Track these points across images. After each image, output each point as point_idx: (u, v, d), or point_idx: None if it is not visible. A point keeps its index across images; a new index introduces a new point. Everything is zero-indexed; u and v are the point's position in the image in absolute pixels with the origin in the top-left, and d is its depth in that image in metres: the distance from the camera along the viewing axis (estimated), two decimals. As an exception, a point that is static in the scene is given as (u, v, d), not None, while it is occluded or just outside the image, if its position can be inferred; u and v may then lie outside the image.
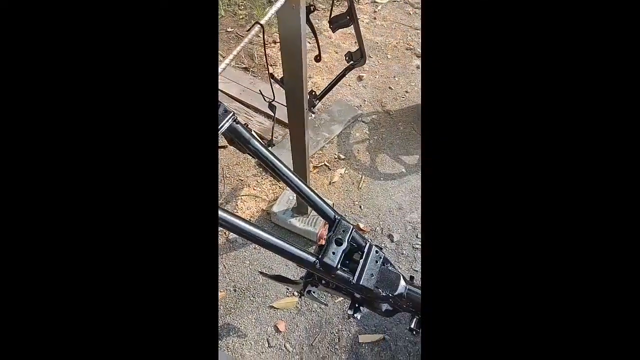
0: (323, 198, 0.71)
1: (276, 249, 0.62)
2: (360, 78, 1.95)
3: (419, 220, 1.43)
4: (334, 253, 0.63)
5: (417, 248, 1.35)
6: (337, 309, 1.20)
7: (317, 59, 0.97)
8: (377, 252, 0.68)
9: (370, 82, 1.94)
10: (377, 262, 0.67)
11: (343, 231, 0.66)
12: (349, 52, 1.06)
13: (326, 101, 1.83)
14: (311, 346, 1.12)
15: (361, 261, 0.66)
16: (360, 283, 0.64)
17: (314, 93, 1.04)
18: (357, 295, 0.70)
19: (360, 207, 1.45)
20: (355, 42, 1.14)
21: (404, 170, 1.58)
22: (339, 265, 0.62)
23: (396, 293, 0.65)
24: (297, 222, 1.27)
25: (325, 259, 0.62)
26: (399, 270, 0.70)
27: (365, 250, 0.68)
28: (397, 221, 1.41)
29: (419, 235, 1.39)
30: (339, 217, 0.68)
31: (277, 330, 1.14)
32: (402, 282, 0.66)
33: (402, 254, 1.33)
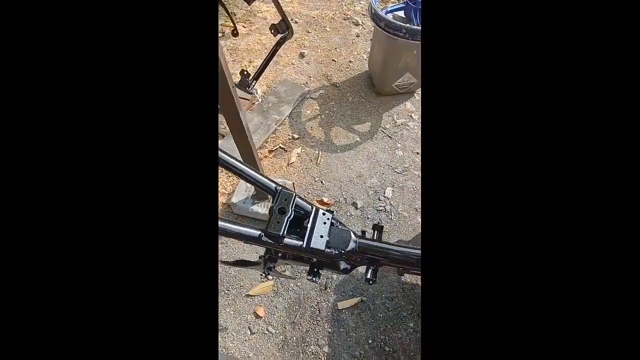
0: (263, 174, 0.70)
1: (220, 231, 0.61)
2: (302, 55, 1.91)
3: (380, 184, 1.46)
4: (278, 222, 0.62)
5: (381, 210, 1.38)
6: (314, 284, 1.21)
7: (234, 33, 0.93)
8: (324, 214, 0.69)
9: (313, 57, 1.91)
10: (325, 223, 0.68)
11: (285, 200, 0.65)
12: (272, 24, 1.03)
13: (272, 83, 1.79)
14: (293, 323, 1.13)
15: (309, 225, 0.67)
16: (311, 246, 0.64)
17: (245, 72, 1.01)
18: (314, 260, 0.70)
19: (321, 182, 1.46)
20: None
21: (358, 139, 1.60)
22: (284, 233, 0.62)
23: (348, 249, 0.66)
24: (259, 208, 1.25)
25: (270, 230, 0.62)
26: (349, 228, 0.71)
27: (312, 214, 0.68)
28: (359, 189, 1.44)
29: (381, 198, 1.42)
30: (280, 187, 0.68)
31: (257, 316, 1.14)
32: (353, 237, 0.68)
33: (368, 218, 1.36)
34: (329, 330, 1.12)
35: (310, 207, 0.69)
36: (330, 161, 1.51)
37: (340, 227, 0.68)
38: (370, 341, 1.11)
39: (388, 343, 1.10)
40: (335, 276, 1.22)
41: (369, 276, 0.66)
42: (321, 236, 0.65)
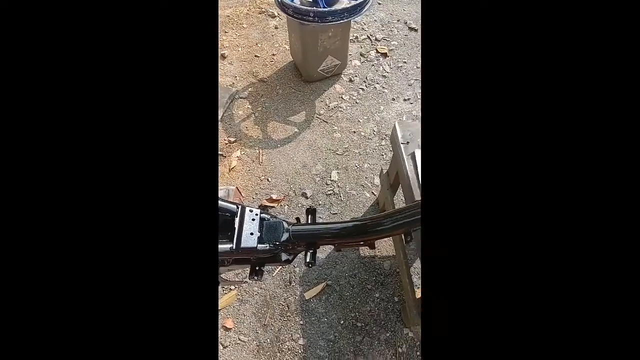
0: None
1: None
2: (223, 56, 1.85)
3: (324, 169, 1.48)
4: None
5: (330, 194, 1.40)
6: (277, 281, 1.21)
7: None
8: (251, 210, 0.68)
9: (235, 56, 1.86)
10: (254, 219, 0.67)
11: None
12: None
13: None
14: (264, 326, 1.12)
15: (237, 225, 0.65)
16: (242, 246, 0.63)
17: None
18: (253, 259, 0.69)
19: (267, 179, 1.44)
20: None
21: (296, 129, 1.60)
22: None
23: (283, 239, 0.66)
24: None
25: None
26: (280, 218, 0.71)
27: (238, 213, 0.67)
28: (306, 178, 1.44)
29: (328, 182, 1.44)
30: None
31: (227, 329, 1.11)
32: (285, 227, 0.67)
33: (319, 204, 1.37)
34: (301, 322, 1.12)
35: (235, 206, 0.67)
36: (273, 157, 1.49)
37: (271, 220, 0.68)
38: (342, 322, 1.13)
39: (359, 319, 1.13)
40: (297, 269, 1.22)
41: (307, 259, 0.67)
42: (251, 233, 0.64)
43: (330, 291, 1.18)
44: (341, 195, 1.39)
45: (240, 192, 1.35)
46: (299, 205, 1.36)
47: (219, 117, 1.59)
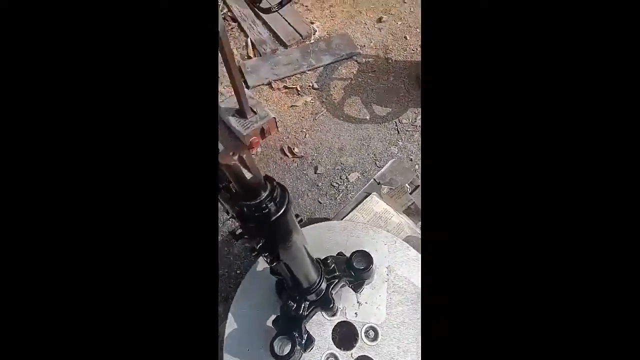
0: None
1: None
2: (380, 19, 1.81)
3: (352, 164, 1.42)
4: None
5: (335, 186, 1.37)
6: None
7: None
8: None
9: (389, 26, 1.79)
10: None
11: None
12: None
13: (332, 32, 1.78)
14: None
15: None
16: None
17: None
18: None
19: (306, 134, 1.49)
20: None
21: (367, 117, 1.53)
22: None
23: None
24: (233, 120, 1.38)
25: None
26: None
27: None
28: (331, 159, 1.42)
29: (342, 177, 1.39)
30: None
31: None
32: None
33: (318, 186, 1.37)
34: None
35: None
36: (327, 123, 1.51)
37: None
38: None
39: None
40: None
41: None
42: None
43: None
44: (341, 194, 1.35)
45: (276, 125, 1.45)
46: (304, 173, 1.39)
47: (325, 63, 1.64)
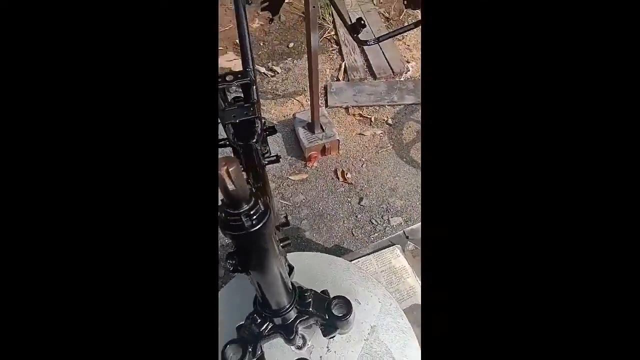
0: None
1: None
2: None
3: (399, 208, 1.37)
4: None
5: (373, 224, 1.33)
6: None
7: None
8: None
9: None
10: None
11: None
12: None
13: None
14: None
15: None
16: None
17: (362, 22, 1.11)
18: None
19: (363, 164, 1.49)
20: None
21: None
22: None
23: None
24: (302, 132, 1.46)
25: None
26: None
27: None
28: (380, 195, 1.40)
29: (384, 217, 1.34)
30: None
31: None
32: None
33: (356, 217, 1.35)
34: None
35: None
36: (388, 159, 1.49)
37: None
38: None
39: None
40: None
41: None
42: None
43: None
44: (377, 230, 1.30)
45: (338, 147, 1.49)
46: (349, 200, 1.38)
47: (407, 102, 1.63)
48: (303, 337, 0.57)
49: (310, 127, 1.49)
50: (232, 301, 0.49)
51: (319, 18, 1.89)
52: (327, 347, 0.55)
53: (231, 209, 0.34)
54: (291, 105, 1.72)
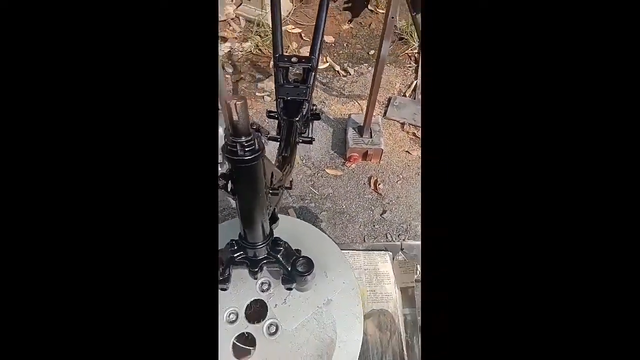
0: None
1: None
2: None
3: (419, 233, 1.34)
4: None
5: (388, 239, 1.33)
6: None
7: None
8: None
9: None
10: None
11: None
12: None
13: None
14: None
15: None
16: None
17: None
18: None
19: (399, 181, 1.49)
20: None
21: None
22: None
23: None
24: (351, 132, 1.52)
25: None
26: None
27: None
28: (404, 215, 1.39)
29: (401, 236, 1.33)
30: None
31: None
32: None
33: (374, 227, 1.36)
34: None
35: None
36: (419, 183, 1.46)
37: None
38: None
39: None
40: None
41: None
42: None
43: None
44: (387, 236, 1.30)
45: (380, 157, 1.51)
46: (371, 210, 1.40)
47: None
48: (269, 284, 0.64)
49: (360, 130, 1.55)
50: (228, 236, 0.58)
51: (406, 34, 1.93)
52: (285, 300, 0.61)
53: (232, 137, 0.43)
54: (351, 107, 1.79)
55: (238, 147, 0.42)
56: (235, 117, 0.40)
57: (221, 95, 1.19)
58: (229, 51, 1.91)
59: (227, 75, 1.80)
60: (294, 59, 0.92)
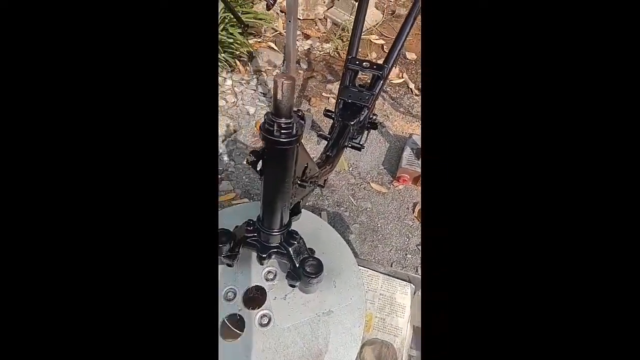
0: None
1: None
2: None
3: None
4: None
5: (400, 260, 1.21)
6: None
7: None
8: None
9: None
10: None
11: None
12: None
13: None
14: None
15: None
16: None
17: None
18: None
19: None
20: None
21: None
22: None
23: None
24: (408, 152, 1.44)
25: None
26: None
27: None
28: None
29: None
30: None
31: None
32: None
33: (405, 255, 1.26)
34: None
35: None
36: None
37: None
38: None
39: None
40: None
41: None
42: None
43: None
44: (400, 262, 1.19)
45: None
46: (368, 231, 1.30)
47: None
48: (275, 274, 0.62)
49: (418, 153, 1.47)
50: (250, 216, 0.58)
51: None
52: (286, 296, 0.58)
53: (272, 116, 0.42)
54: (415, 127, 1.71)
55: (275, 127, 0.41)
56: (279, 96, 0.40)
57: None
58: (309, 48, 1.97)
59: (300, 71, 1.86)
60: (365, 64, 0.90)
